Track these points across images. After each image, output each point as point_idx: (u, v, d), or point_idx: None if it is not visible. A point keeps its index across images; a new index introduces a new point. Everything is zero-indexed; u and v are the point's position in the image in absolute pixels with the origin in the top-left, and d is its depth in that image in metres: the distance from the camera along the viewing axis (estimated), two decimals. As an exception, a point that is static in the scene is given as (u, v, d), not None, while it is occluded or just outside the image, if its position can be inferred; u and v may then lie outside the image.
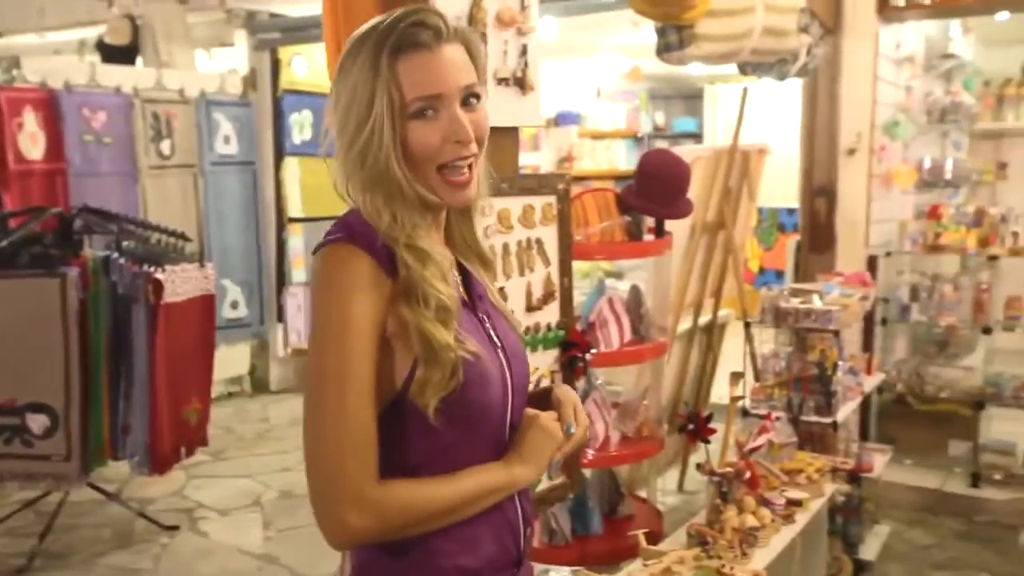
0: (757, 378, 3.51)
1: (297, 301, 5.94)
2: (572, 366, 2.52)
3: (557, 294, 2.36)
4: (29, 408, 3.56)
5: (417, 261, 1.11)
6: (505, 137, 2.02)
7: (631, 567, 2.24)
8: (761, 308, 3.39)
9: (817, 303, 3.36)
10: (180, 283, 3.76)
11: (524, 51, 1.98)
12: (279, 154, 6.01)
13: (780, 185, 6.18)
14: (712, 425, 2.85)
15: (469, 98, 1.14)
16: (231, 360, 5.98)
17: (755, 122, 7.06)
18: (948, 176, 5.04)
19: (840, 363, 3.36)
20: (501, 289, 1.67)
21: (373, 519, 1.06)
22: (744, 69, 3.64)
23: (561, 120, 8.50)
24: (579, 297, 2.84)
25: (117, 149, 5.17)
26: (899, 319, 4.52)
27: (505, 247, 2.01)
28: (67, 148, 4.92)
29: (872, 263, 4.39)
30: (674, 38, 3.05)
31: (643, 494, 3.55)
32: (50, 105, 4.86)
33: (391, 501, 1.08)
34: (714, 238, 4.09)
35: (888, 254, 4.50)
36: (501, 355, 1.20)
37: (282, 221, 6.09)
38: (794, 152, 4.59)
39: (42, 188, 4.84)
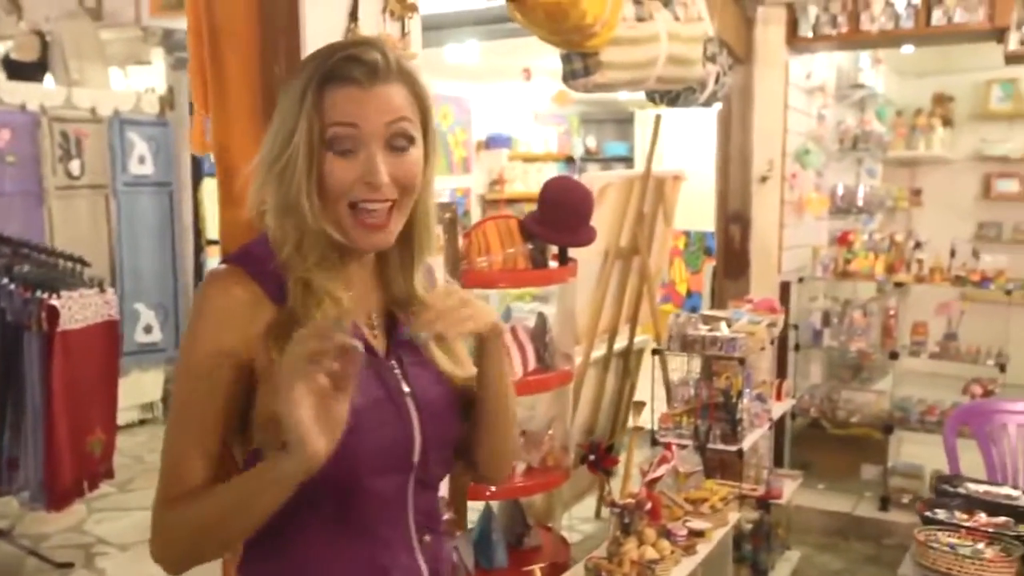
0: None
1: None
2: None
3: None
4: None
5: (306, 297, 1.07)
6: (386, 166, 1.97)
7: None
8: (668, 335, 3.39)
9: (724, 330, 3.37)
10: (78, 309, 3.62)
11: (405, 78, 1.94)
12: (197, 175, 5.86)
13: (707, 210, 6.26)
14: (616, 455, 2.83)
15: (397, 140, 1.09)
16: (144, 386, 5.80)
17: (681, 148, 7.19)
18: (860, 203, 5.14)
19: (746, 390, 3.37)
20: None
21: (161, 542, 1.07)
22: (653, 97, 3.65)
23: (492, 143, 8.51)
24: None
25: (22, 169, 4.99)
26: (812, 344, 4.58)
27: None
28: (-33, 167, 4.73)
29: (785, 289, 4.44)
30: (579, 65, 3.04)
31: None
32: (-51, 122, 4.69)
33: (172, 520, 1.06)
34: (628, 264, 4.09)
35: (801, 280, 4.56)
36: (409, 401, 1.14)
37: (200, 243, 5.93)
38: (712, 177, 4.64)
39: (-60, 209, 4.65)
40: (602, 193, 3.68)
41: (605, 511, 4.29)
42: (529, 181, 8.61)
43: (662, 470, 2.81)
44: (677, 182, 4.46)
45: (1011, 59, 4.16)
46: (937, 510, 2.18)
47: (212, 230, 5.91)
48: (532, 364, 3.01)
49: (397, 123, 1.09)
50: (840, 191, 5.07)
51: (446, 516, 2.45)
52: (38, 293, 3.47)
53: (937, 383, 4.75)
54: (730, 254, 4.44)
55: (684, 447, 3.26)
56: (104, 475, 3.79)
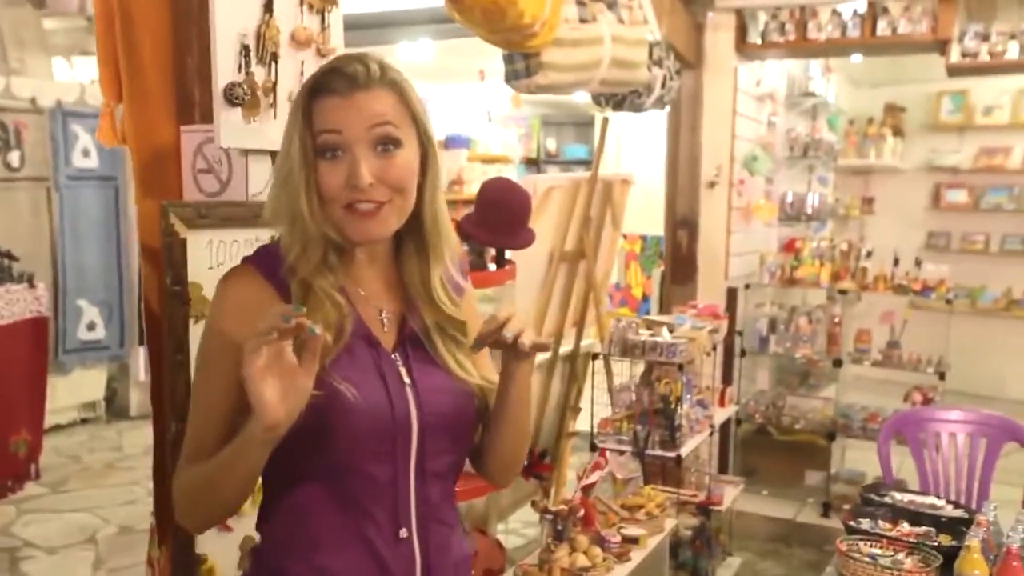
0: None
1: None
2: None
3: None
4: None
5: (307, 299, 1.15)
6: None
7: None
8: (609, 340, 3.36)
9: (666, 336, 3.36)
10: (4, 305, 3.52)
11: (325, 74, 1.89)
12: (144, 170, 5.74)
13: (655, 214, 6.28)
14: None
15: (384, 143, 1.17)
16: (86, 384, 5.66)
17: (637, 151, 7.19)
18: (810, 210, 5.16)
19: (687, 396, 3.36)
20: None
21: (175, 503, 1.21)
22: (598, 100, 3.63)
23: (450, 143, 8.45)
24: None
25: (-44, 160, 4.85)
26: (758, 351, 4.59)
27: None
28: (-102, 157, 4.58)
29: (732, 295, 4.44)
30: (521, 66, 3.01)
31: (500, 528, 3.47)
32: None
33: (180, 480, 1.20)
34: (574, 268, 4.06)
35: (747, 286, 4.57)
36: (409, 391, 1.21)
37: (146, 239, 5.81)
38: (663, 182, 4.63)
39: None
40: (547, 195, 3.64)
41: (548, 516, 4.28)
42: (487, 183, 8.55)
43: (596, 476, 2.77)
44: (626, 186, 4.44)
45: (953, 71, 4.20)
46: (861, 519, 2.17)
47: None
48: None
49: (380, 127, 1.16)
50: (789, 198, 5.09)
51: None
52: (-39, 288, 3.37)
53: (880, 390, 4.79)
54: (678, 259, 4.43)
55: (623, 453, 3.24)
56: (28, 476, 3.69)
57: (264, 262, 1.20)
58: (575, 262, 4.05)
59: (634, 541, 2.82)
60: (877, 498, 2.30)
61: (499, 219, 2.90)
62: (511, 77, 3.07)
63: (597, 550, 2.67)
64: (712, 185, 4.33)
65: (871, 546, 2.03)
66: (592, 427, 3.39)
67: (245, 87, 1.72)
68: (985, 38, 4.04)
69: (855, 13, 4.15)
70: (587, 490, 2.82)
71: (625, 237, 6.10)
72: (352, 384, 1.15)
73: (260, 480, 1.21)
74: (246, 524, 1.73)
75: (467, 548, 1.35)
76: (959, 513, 2.24)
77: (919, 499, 2.33)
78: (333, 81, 1.16)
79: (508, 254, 3.04)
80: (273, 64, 1.78)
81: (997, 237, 7.20)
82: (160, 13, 1.81)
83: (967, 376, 5.27)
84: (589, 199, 3.96)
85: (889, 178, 7.35)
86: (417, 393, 1.21)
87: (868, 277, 4.32)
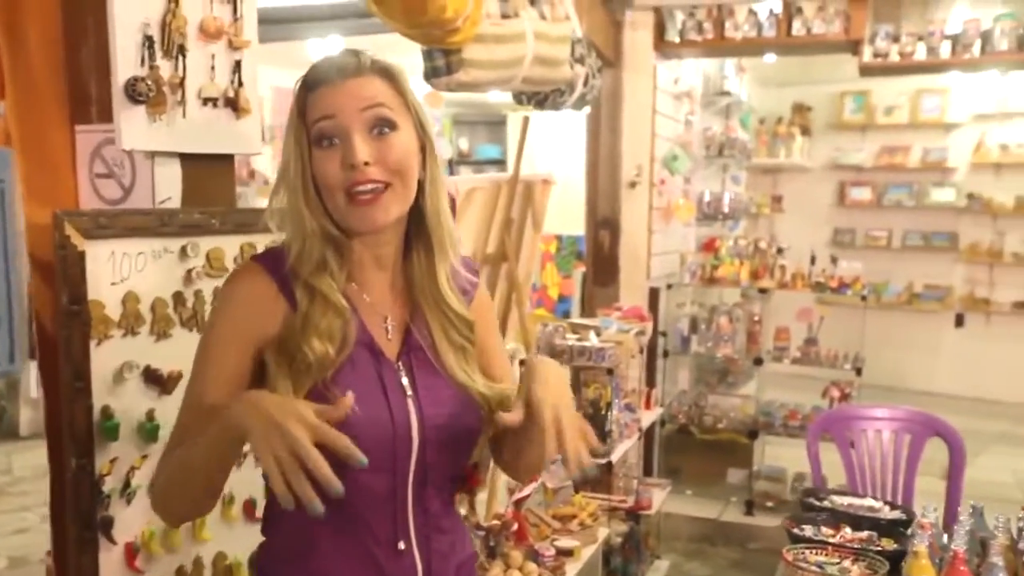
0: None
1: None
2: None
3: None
4: None
5: (312, 304, 1.15)
6: (216, 165, 1.75)
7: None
8: (536, 346, 3.27)
9: (594, 340, 3.29)
10: None
11: (237, 68, 1.73)
12: (32, 171, 5.38)
13: (579, 214, 6.24)
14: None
15: (379, 126, 1.16)
16: (-31, 402, 5.28)
17: (552, 151, 7.14)
18: (726, 209, 5.20)
19: (616, 401, 3.30)
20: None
21: (155, 480, 1.20)
22: (520, 99, 3.53)
23: (360, 143, 8.24)
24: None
25: None
26: (680, 351, 4.58)
27: (216, 293, 1.74)
28: None
29: (654, 295, 4.42)
30: (441, 62, 2.88)
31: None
32: None
33: (158, 468, 1.19)
34: (496, 270, 3.95)
35: (669, 286, 4.56)
36: (410, 402, 1.19)
37: (36, 246, 5.44)
38: (583, 181, 4.57)
39: None
40: (468, 197, 3.53)
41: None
42: (398, 183, 8.37)
43: (529, 489, 2.68)
44: (547, 186, 4.36)
45: (865, 71, 4.27)
46: (804, 526, 2.13)
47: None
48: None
49: (373, 108, 1.15)
50: (707, 197, 5.11)
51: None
52: None
53: (799, 386, 4.86)
54: (599, 260, 4.38)
55: (553, 461, 3.15)
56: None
57: (269, 259, 1.20)
58: (497, 264, 3.94)
59: (568, 553, 2.75)
60: (817, 503, 2.27)
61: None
62: (431, 74, 2.94)
63: (532, 565, 2.59)
64: (633, 185, 4.30)
65: (816, 554, 1.99)
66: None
67: (149, 82, 1.55)
68: (895, 39, 4.12)
69: (771, 13, 4.18)
70: (519, 503, 2.73)
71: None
72: (353, 396, 1.11)
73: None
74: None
75: (471, 547, 1.34)
76: (897, 515, 2.23)
77: (857, 501, 2.32)
78: (324, 71, 1.17)
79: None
80: (181, 57, 1.61)
81: (899, 233, 7.44)
82: (49, -1, 1.62)
83: (873, 369, 5.41)
84: (510, 200, 3.87)
85: (797, 176, 7.51)
86: (419, 404, 1.20)
87: (787, 275, 4.36)
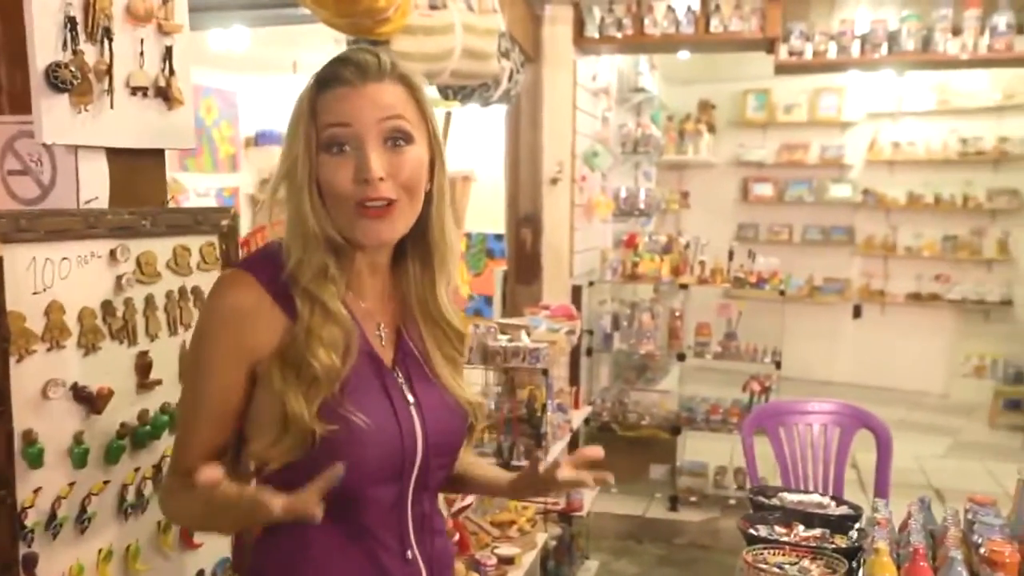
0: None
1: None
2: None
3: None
4: None
5: (313, 314, 1.11)
6: (146, 161, 1.59)
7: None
8: (469, 347, 3.17)
9: (525, 340, 3.22)
10: None
11: (168, 55, 1.58)
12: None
13: (488, 211, 6.16)
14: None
15: (394, 138, 1.11)
16: None
17: (464, 147, 7.04)
18: (642, 205, 5.22)
19: (550, 402, 3.24)
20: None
21: (165, 512, 1.22)
22: (446, 93, 3.43)
23: (262, 139, 7.91)
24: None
25: None
26: (603, 348, 4.57)
27: (149, 300, 1.58)
28: None
29: (577, 293, 4.38)
30: (368, 54, 2.76)
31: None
32: None
33: (173, 504, 1.18)
34: (419, 270, 3.85)
35: (591, 284, 4.53)
36: (414, 411, 1.18)
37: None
38: (501, 178, 4.49)
39: None
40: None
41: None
42: (304, 180, 8.11)
43: (470, 498, 2.59)
44: (467, 183, 4.27)
45: (780, 69, 4.34)
46: (758, 526, 2.11)
47: None
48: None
49: (391, 120, 1.10)
50: (623, 194, 5.11)
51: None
52: None
53: (719, 380, 4.92)
54: (522, 258, 4.32)
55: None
56: None
57: (262, 267, 1.14)
58: (420, 264, 3.84)
59: (509, 561, 2.69)
60: (767, 501, 2.26)
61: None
62: (357, 67, 2.81)
63: (474, 575, 2.50)
64: (555, 182, 4.25)
65: (775, 554, 1.97)
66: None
67: (73, 68, 1.39)
68: (808, 38, 4.20)
69: (689, 10, 4.20)
70: (459, 513, 2.64)
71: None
72: (362, 410, 1.12)
73: None
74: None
75: (449, 544, 1.34)
76: (845, 510, 2.24)
77: (806, 499, 2.32)
78: (343, 70, 1.11)
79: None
80: (107, 41, 1.45)
81: (799, 228, 7.67)
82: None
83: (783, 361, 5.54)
84: (434, 198, 3.76)
85: (702, 172, 7.64)
86: (422, 413, 1.19)
87: (706, 271, 4.39)
